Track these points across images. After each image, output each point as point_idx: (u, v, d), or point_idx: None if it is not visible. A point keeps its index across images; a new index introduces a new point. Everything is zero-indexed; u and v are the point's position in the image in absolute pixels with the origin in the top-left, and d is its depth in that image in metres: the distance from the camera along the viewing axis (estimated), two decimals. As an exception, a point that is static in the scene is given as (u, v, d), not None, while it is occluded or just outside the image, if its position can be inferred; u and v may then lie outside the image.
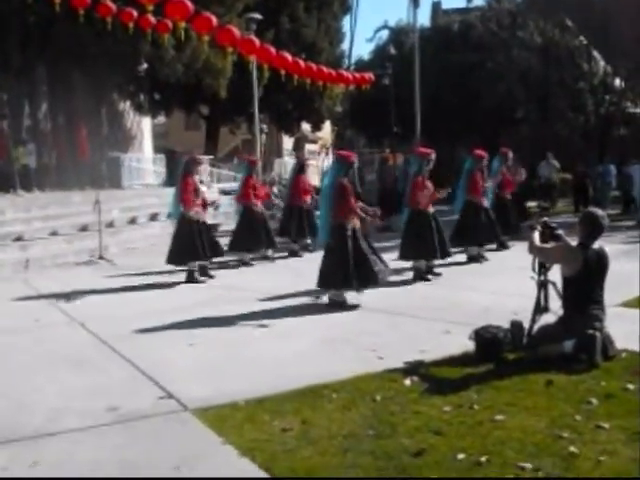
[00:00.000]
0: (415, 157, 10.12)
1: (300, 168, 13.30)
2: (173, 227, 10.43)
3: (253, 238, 11.84)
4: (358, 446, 4.05)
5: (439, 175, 12.49)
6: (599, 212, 5.80)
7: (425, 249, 9.59)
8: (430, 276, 9.67)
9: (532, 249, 5.89)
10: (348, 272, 7.86)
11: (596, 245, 5.66)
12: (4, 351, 6.52)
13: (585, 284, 5.63)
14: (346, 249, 7.90)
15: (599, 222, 5.65)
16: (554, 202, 22.47)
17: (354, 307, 7.94)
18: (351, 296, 8.10)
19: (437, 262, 9.95)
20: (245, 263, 11.72)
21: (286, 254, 12.75)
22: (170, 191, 11.70)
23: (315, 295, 8.40)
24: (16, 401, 5.04)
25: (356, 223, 8.06)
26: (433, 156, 9.70)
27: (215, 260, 10.69)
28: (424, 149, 10.38)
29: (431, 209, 9.75)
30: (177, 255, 10.00)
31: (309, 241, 12.93)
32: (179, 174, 10.18)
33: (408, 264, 9.85)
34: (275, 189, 16.94)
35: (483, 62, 28.82)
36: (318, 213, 9.11)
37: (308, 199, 12.90)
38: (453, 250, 10.35)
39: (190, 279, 9.97)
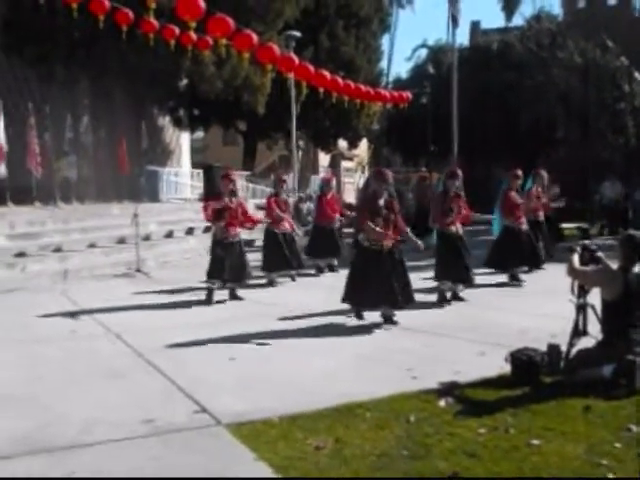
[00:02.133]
0: (442, 177, 10.05)
1: (321, 188, 13.40)
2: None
3: (275, 258, 11.56)
4: (391, 466, 4.01)
5: (476, 194, 12.41)
6: (639, 235, 5.71)
7: (452, 271, 9.38)
8: (454, 301, 9.45)
9: (571, 272, 5.81)
10: (363, 290, 7.81)
11: (637, 268, 5.57)
12: (41, 361, 6.60)
13: (625, 308, 5.53)
14: (360, 265, 7.88)
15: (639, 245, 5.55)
16: (596, 225, 22.04)
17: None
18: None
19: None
20: (271, 282, 11.47)
21: (313, 272, 12.72)
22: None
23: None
24: (52, 411, 5.09)
25: (379, 240, 7.83)
26: (456, 177, 9.49)
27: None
28: (452, 169, 10.26)
29: (458, 230, 9.44)
30: None
31: (335, 262, 12.92)
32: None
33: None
34: (305, 207, 16.96)
35: (522, 82, 28.65)
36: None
37: (334, 218, 12.89)
38: (489, 271, 10.20)
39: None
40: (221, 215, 9.66)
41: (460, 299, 9.53)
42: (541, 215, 12.83)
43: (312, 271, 12.67)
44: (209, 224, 10.30)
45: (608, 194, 21.98)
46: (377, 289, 7.75)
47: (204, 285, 9.86)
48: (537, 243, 11.63)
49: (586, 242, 6.09)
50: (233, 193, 9.90)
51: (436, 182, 10.88)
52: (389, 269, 7.81)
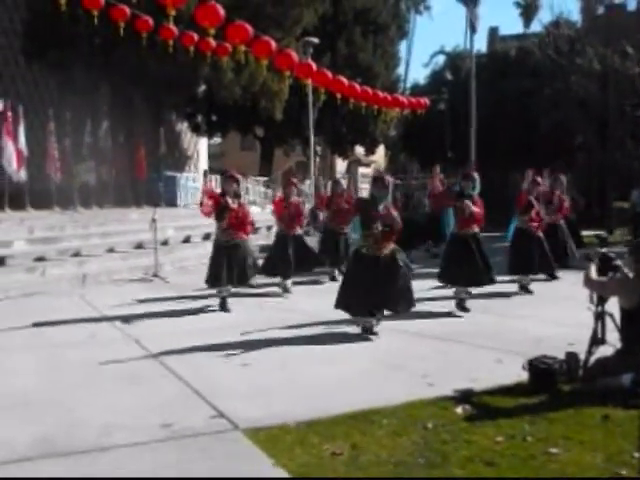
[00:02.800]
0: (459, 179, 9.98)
1: (332, 188, 13.11)
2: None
3: (276, 263, 11.27)
4: (408, 474, 4.01)
5: (492, 201, 12.32)
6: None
7: (465, 274, 9.11)
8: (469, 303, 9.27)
9: (587, 283, 5.75)
10: (359, 298, 7.71)
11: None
12: (60, 365, 6.66)
13: (644, 317, 5.49)
14: (356, 274, 7.78)
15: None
16: (616, 232, 21.86)
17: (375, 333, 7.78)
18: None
19: (487, 290, 9.75)
20: (285, 289, 11.25)
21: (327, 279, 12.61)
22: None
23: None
24: (71, 415, 5.14)
25: (378, 248, 7.74)
26: (470, 178, 9.31)
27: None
28: (467, 170, 10.26)
29: (473, 230, 9.19)
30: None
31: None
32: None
33: (451, 292, 9.51)
34: (322, 214, 16.84)
35: (540, 88, 28.55)
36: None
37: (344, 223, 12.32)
38: (504, 279, 10.16)
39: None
40: (222, 216, 9.33)
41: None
42: (559, 218, 12.73)
43: (325, 278, 12.60)
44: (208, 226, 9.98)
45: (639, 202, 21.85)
46: (371, 295, 7.63)
47: (214, 292, 9.76)
48: (548, 250, 11.42)
49: (604, 250, 6.05)
50: (236, 194, 9.59)
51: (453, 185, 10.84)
52: (385, 275, 7.65)
